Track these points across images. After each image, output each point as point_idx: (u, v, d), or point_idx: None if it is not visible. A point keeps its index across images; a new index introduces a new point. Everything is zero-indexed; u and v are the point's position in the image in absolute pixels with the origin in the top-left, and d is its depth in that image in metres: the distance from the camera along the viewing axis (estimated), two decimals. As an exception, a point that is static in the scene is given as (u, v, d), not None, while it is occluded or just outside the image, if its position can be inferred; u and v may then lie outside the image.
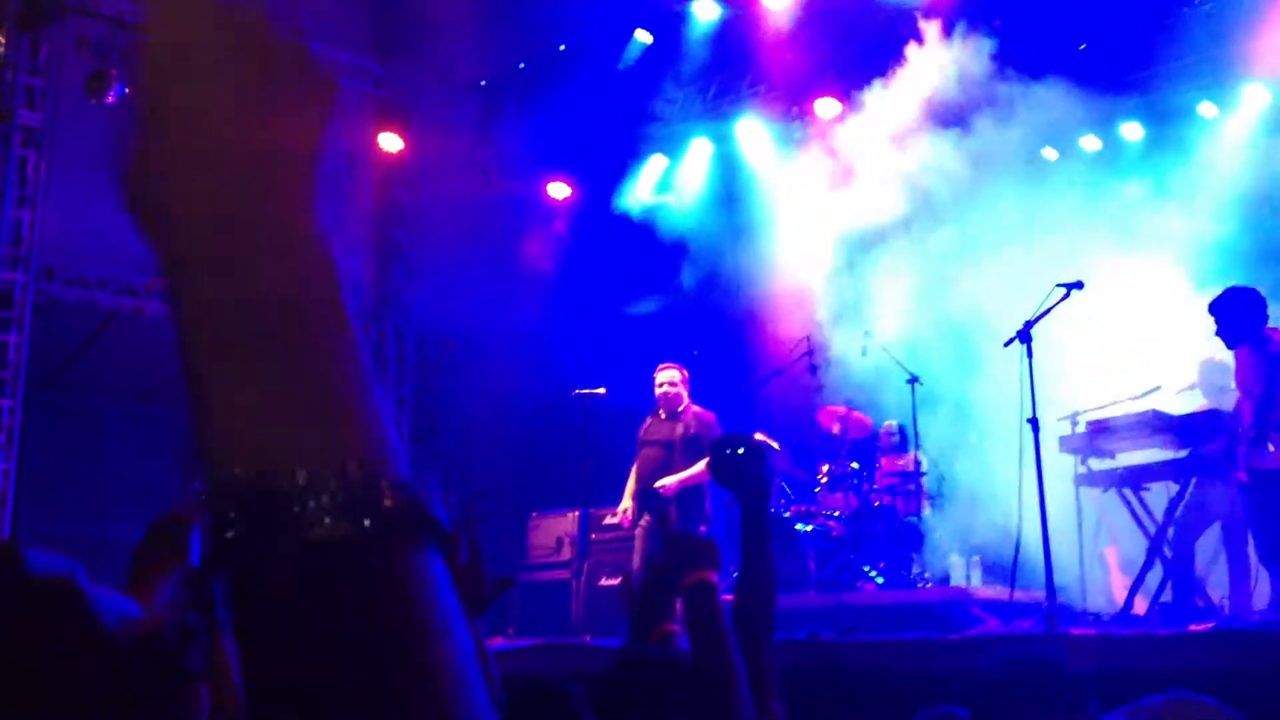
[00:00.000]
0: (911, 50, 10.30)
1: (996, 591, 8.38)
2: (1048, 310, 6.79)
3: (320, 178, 0.77)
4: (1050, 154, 11.52)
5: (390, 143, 12.34)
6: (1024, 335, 6.64)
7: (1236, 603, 7.44)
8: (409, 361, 13.29)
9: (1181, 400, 8.44)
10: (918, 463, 9.91)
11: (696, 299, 11.12)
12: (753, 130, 11.52)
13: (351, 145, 12.12)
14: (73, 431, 11.78)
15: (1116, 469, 8.57)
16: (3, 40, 10.01)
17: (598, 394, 9.39)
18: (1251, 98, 10.54)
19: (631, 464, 9.11)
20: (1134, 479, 8.46)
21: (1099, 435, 8.61)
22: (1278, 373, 6.59)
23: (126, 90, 10.27)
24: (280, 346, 0.72)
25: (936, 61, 10.17)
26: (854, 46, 10.88)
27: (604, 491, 10.65)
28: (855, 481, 10.00)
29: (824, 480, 10.10)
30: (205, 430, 0.71)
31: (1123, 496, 8.55)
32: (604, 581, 9.95)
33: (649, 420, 9.07)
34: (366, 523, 0.69)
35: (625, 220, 12.20)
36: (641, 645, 3.08)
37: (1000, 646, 5.83)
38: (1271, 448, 6.52)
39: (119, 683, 1.03)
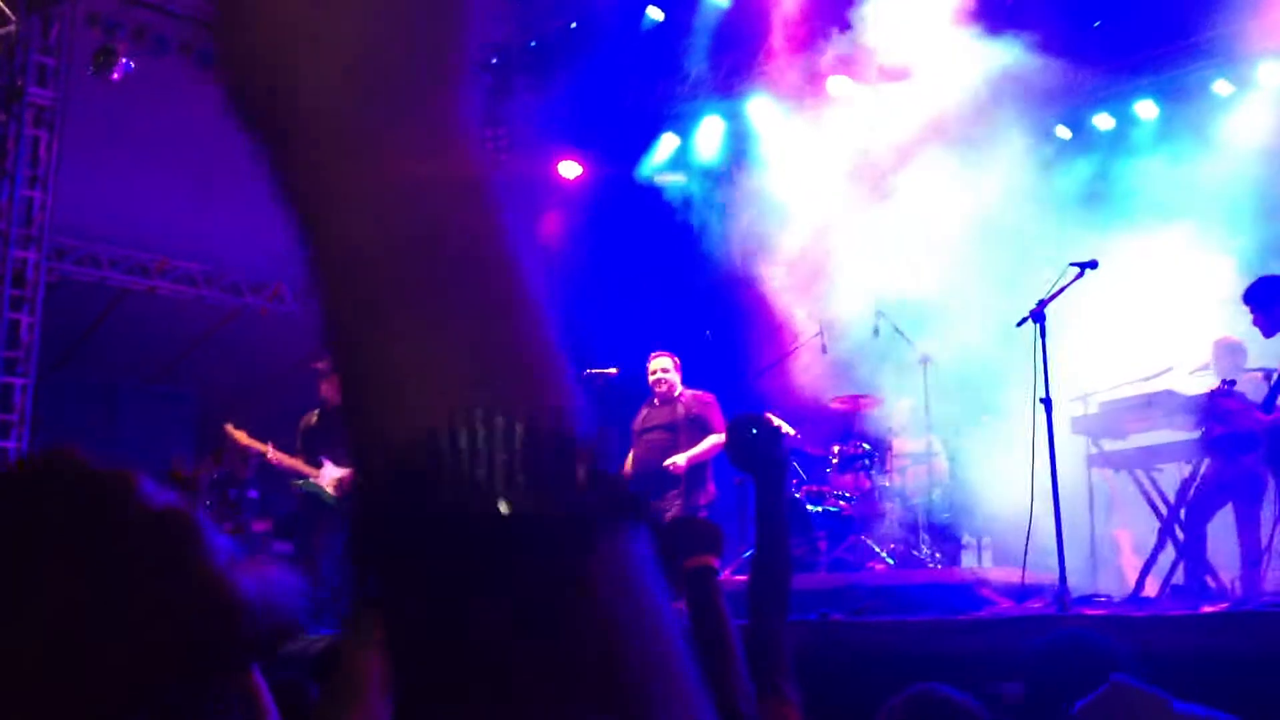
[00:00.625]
0: (925, 27, 10.22)
1: (1007, 573, 8.37)
2: (1061, 290, 6.76)
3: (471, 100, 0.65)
4: (1064, 132, 11.46)
5: (401, 121, 12.31)
6: (1037, 315, 6.61)
7: (1248, 584, 7.41)
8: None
9: (1195, 381, 8.40)
10: (930, 443, 9.89)
11: (708, 278, 11.09)
12: (765, 108, 11.46)
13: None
14: (85, 410, 11.83)
15: (1129, 450, 8.55)
16: (14, 18, 10.00)
17: (609, 374, 9.39)
18: (1268, 75, 10.45)
19: (626, 454, 9.15)
20: (1146, 460, 8.45)
21: (1111, 416, 8.59)
22: None
23: (132, 67, 10.27)
24: (451, 291, 0.61)
25: (950, 39, 10.10)
26: (863, 24, 10.81)
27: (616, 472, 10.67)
28: (866, 462, 9.99)
29: (835, 461, 10.08)
30: (360, 389, 0.61)
31: (1134, 477, 8.54)
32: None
33: (645, 410, 9.11)
34: (558, 495, 0.58)
35: (637, 199, 12.17)
36: None
37: (1011, 628, 5.83)
38: None
39: (225, 624, 0.95)
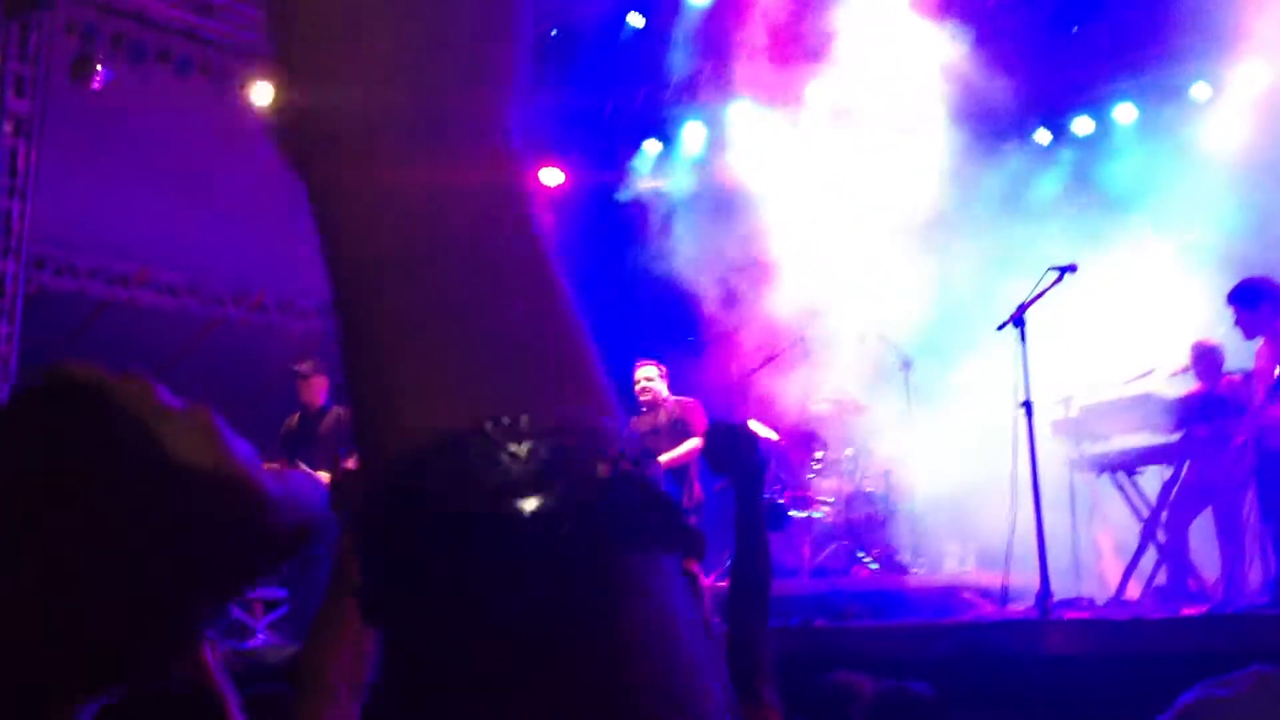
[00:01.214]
0: (904, 32, 10.25)
1: (990, 577, 8.39)
2: (1041, 294, 6.78)
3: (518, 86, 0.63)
4: (1043, 136, 11.50)
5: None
6: (1017, 319, 6.62)
7: (1230, 586, 7.44)
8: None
9: (1175, 384, 8.43)
10: (911, 447, 9.90)
11: (691, 284, 11.09)
12: (746, 113, 11.48)
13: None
14: (65, 421, 11.74)
15: (1110, 453, 8.57)
16: (-9, 28, 9.95)
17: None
18: (1246, 78, 10.50)
19: None
20: (1127, 463, 8.48)
21: (1092, 419, 8.62)
22: None
23: (112, 77, 10.23)
24: (470, 284, 0.58)
25: (930, 43, 10.13)
26: (845, 28, 10.84)
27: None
28: (850, 467, 10.00)
29: (818, 466, 10.09)
30: (367, 388, 0.59)
31: (1116, 480, 8.57)
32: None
33: (632, 420, 9.11)
34: (570, 494, 0.55)
35: (619, 205, 12.17)
36: None
37: (992, 632, 5.85)
38: None
39: (258, 521, 0.89)
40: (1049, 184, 10.89)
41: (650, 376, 9.05)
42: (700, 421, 8.92)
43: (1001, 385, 7.44)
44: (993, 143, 10.54)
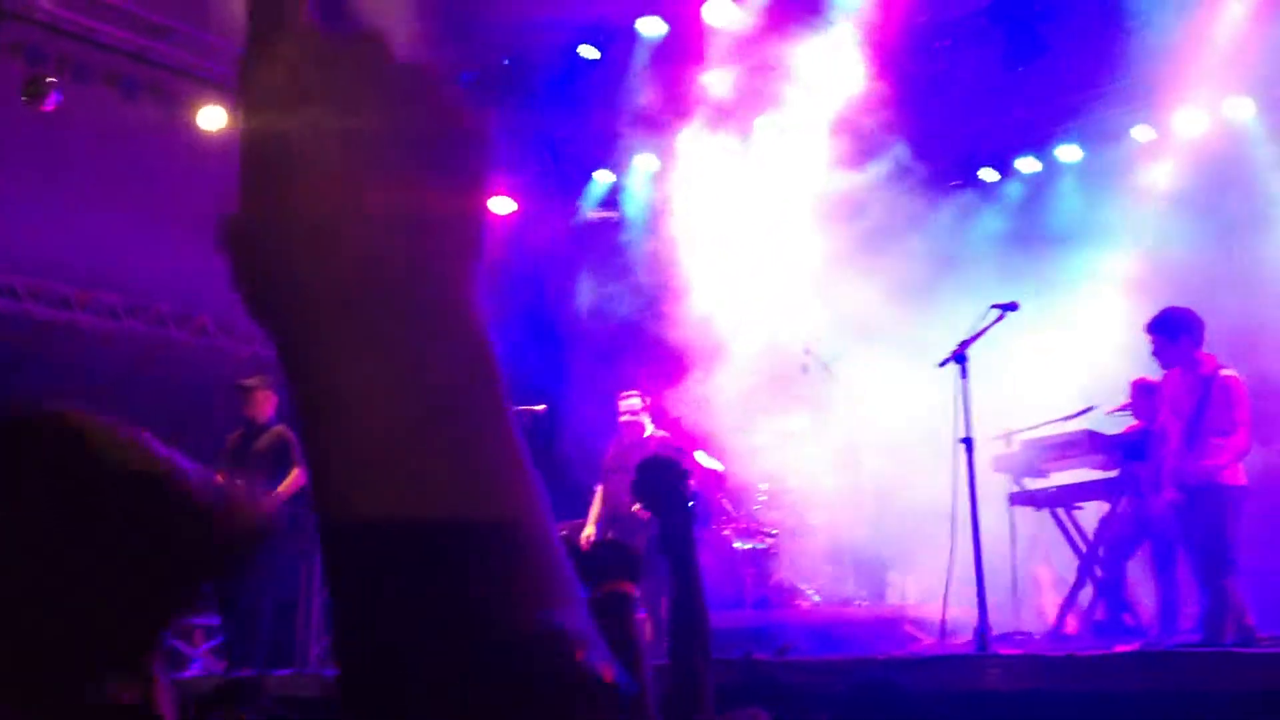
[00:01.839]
0: (851, 69, 10.36)
1: (932, 609, 8.44)
2: (982, 331, 6.85)
3: (480, 244, 0.66)
4: (989, 175, 11.66)
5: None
6: (958, 356, 6.68)
7: (1164, 622, 7.53)
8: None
9: (1114, 421, 8.55)
10: (856, 480, 9.95)
11: (641, 315, 11.10)
12: (696, 146, 11.55)
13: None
14: (3, 443, 11.55)
15: (1049, 488, 8.68)
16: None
17: (537, 411, 9.36)
18: (1186, 122, 10.70)
19: (593, 489, 9.12)
20: (1066, 498, 8.58)
21: (1032, 455, 8.72)
22: (1210, 395, 6.68)
23: (62, 98, 10.14)
24: (431, 441, 0.61)
25: (875, 80, 10.25)
26: (794, 64, 10.94)
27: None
28: (794, 499, 10.04)
29: (763, 498, 10.12)
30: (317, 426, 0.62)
31: (1055, 515, 8.66)
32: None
33: (614, 448, 9.07)
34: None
35: (571, 236, 12.19)
36: None
37: (930, 666, 5.88)
38: (1202, 464, 6.60)
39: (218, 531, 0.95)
40: (994, 222, 11.03)
41: (635, 409, 9.00)
42: (686, 462, 8.89)
43: (945, 419, 7.50)
44: (939, 180, 10.66)
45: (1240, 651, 4.93)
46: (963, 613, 7.58)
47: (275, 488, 8.64)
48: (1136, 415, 8.16)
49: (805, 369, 9.98)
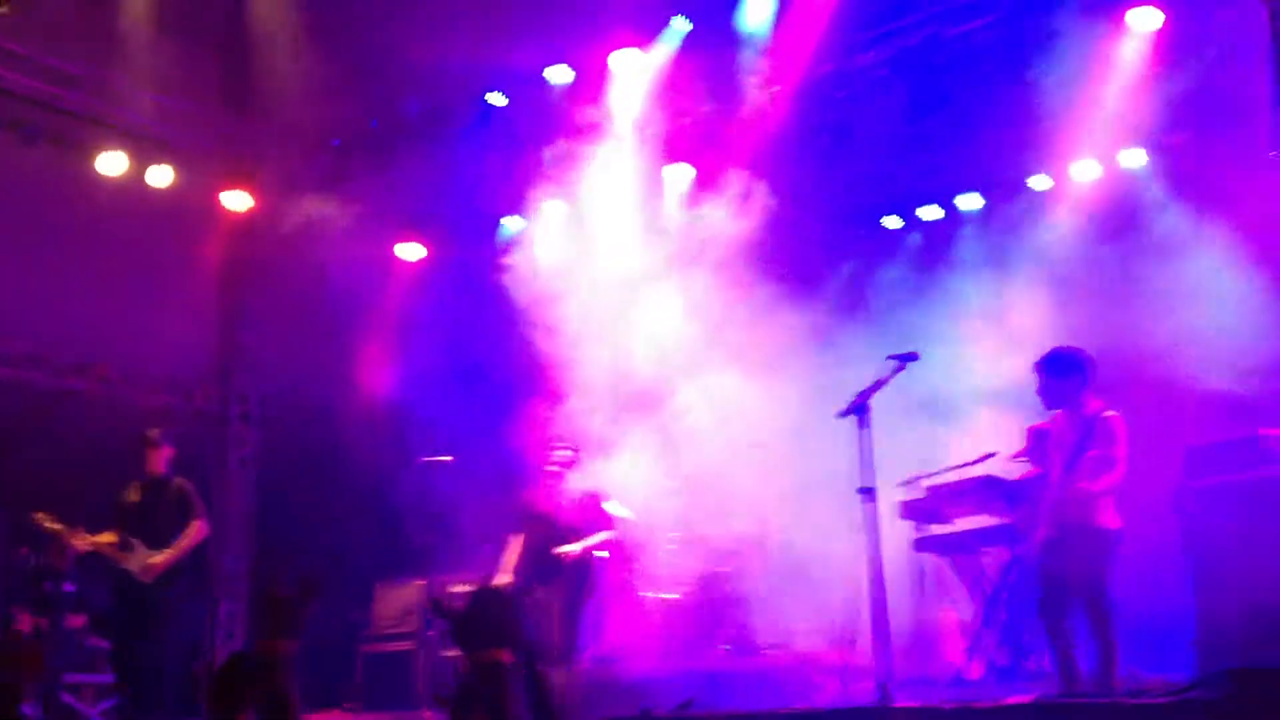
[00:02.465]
0: (753, 117, 10.48)
1: (840, 655, 8.47)
2: (881, 383, 6.87)
3: None
4: (893, 222, 11.84)
5: (238, 200, 12.08)
6: (857, 408, 6.70)
7: (1063, 670, 7.62)
8: (253, 421, 13.01)
9: (1015, 467, 8.65)
10: (764, 528, 9.98)
11: (547, 362, 11.07)
12: (604, 194, 11.57)
13: (197, 200, 11.87)
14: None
15: (954, 533, 8.77)
16: None
17: (444, 462, 9.29)
18: (1082, 173, 10.97)
19: (504, 536, 9.04)
20: (969, 543, 8.67)
21: (936, 501, 8.81)
22: (1092, 434, 6.73)
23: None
24: None
25: (778, 130, 10.38)
26: (703, 112, 11.05)
27: (450, 561, 10.52)
28: (702, 547, 10.04)
29: (672, 546, 10.11)
30: None
31: (959, 560, 8.75)
32: (448, 653, 9.78)
33: (534, 495, 8.98)
34: None
35: (478, 282, 12.13)
36: None
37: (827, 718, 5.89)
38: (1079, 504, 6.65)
39: None
40: (898, 268, 11.19)
41: (564, 460, 8.94)
42: (600, 515, 8.86)
43: (851, 468, 7.53)
44: (842, 227, 10.79)
45: (1130, 702, 4.99)
46: (869, 660, 7.60)
47: (178, 540, 8.74)
48: (1033, 461, 8.25)
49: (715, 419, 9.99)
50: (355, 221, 11.92)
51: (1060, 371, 6.97)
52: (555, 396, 9.67)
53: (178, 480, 9.01)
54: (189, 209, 11.82)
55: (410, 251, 12.97)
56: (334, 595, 11.06)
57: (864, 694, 7.01)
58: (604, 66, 10.78)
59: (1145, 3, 9.39)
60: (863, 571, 7.00)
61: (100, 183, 11.01)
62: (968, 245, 11.37)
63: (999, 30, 9.67)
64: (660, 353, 9.84)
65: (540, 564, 8.66)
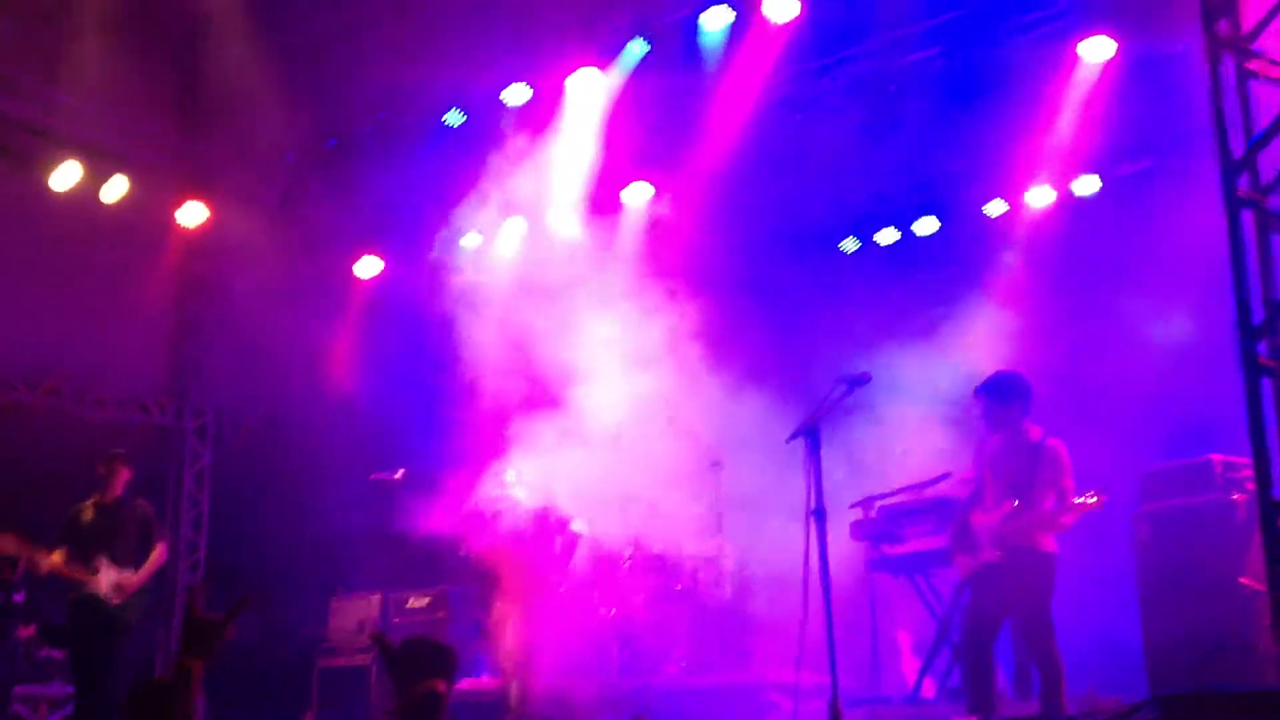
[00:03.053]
0: (716, 139, 10.53)
1: (791, 676, 8.48)
2: (831, 405, 6.88)
3: None
4: (850, 244, 11.94)
5: (192, 214, 12.00)
6: (806, 430, 6.72)
7: (1019, 690, 7.69)
8: (209, 436, 12.93)
9: (968, 488, 8.71)
10: (720, 547, 10.02)
11: (503, 380, 11.06)
12: (564, 214, 11.60)
13: (151, 214, 11.79)
14: None
15: (907, 554, 8.82)
16: None
17: (394, 479, 9.27)
18: (1036, 198, 11.10)
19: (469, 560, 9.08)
20: (923, 563, 8.72)
21: (889, 521, 8.87)
22: (1039, 461, 6.76)
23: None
24: None
25: (735, 151, 10.44)
26: (668, 133, 11.08)
27: (406, 575, 10.50)
28: (658, 565, 10.05)
29: (628, 563, 10.11)
30: None
31: (913, 580, 8.81)
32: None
33: (489, 519, 8.96)
34: None
35: (434, 299, 12.11)
36: None
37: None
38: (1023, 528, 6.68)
39: None
40: (856, 291, 11.27)
41: (509, 482, 8.96)
42: (553, 527, 8.89)
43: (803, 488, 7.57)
44: (799, 250, 10.85)
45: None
46: (823, 678, 7.63)
47: (141, 561, 8.79)
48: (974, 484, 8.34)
49: (671, 433, 10.02)
50: (310, 237, 11.89)
51: (1002, 396, 7.00)
52: (508, 412, 9.69)
53: (138, 501, 9.00)
54: (143, 223, 11.73)
55: (366, 267, 12.93)
56: (287, 610, 11.05)
57: (815, 714, 7.04)
58: (561, 87, 10.80)
59: (1098, 33, 9.50)
60: (812, 591, 7.05)
61: (52, 196, 10.91)
62: (924, 268, 11.48)
63: (953, 59, 9.77)
64: (616, 371, 9.86)
65: (498, 581, 8.67)
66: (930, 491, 8.82)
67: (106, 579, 8.58)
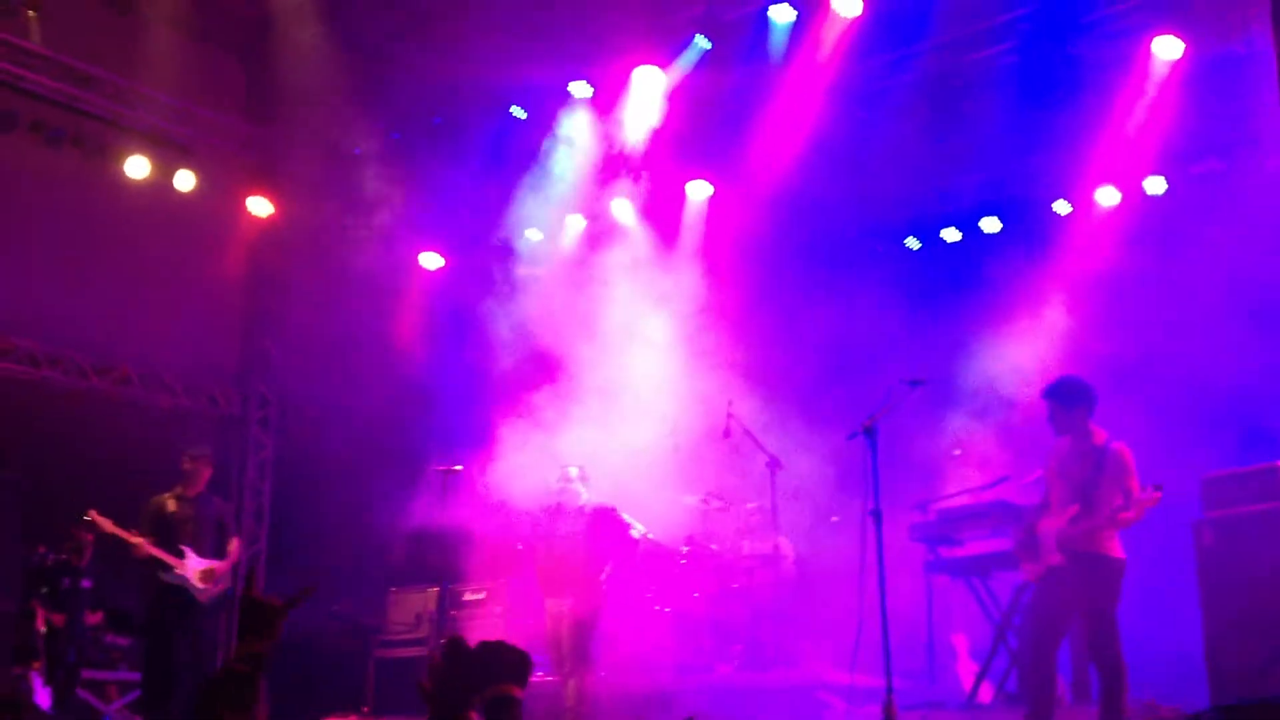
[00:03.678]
0: (779, 136, 10.50)
1: (846, 677, 8.45)
2: (891, 406, 6.86)
3: None
4: (913, 243, 11.84)
5: (260, 206, 12.16)
6: (865, 430, 6.69)
7: (1077, 697, 7.61)
8: (272, 426, 13.08)
9: (1027, 491, 8.63)
10: (777, 546, 9.98)
11: (566, 375, 11.10)
12: (625, 210, 11.62)
13: (219, 206, 11.95)
14: None
15: (965, 557, 8.74)
16: None
17: (456, 471, 9.33)
18: (1104, 198, 10.96)
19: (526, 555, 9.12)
20: (981, 567, 8.64)
21: (948, 523, 8.79)
22: (1104, 464, 6.69)
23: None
24: None
25: (800, 149, 10.40)
26: (726, 130, 11.06)
27: (463, 567, 10.57)
28: (715, 563, 10.04)
29: (684, 561, 10.11)
30: None
31: (970, 583, 8.73)
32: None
33: (548, 515, 9.01)
34: None
35: (496, 292, 12.18)
36: None
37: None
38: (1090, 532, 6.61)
39: None
40: (918, 289, 11.20)
41: (571, 478, 8.99)
42: (613, 527, 8.93)
43: (862, 489, 7.53)
44: (861, 248, 10.78)
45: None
46: (878, 680, 7.60)
47: (221, 555, 9.06)
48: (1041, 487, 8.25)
49: (727, 433, 10.01)
50: (375, 229, 11.99)
51: (1067, 399, 6.95)
52: (569, 408, 9.73)
53: (216, 499, 9.35)
54: (212, 214, 11.90)
55: (430, 260, 13.02)
56: (345, 600, 11.17)
57: (870, 717, 7.01)
58: (624, 83, 10.81)
59: (1167, 32, 9.36)
60: (869, 592, 7.01)
61: (125, 186, 11.09)
62: (988, 267, 11.37)
63: (1020, 56, 9.67)
64: (677, 371, 9.87)
65: (564, 579, 8.71)
66: (989, 494, 8.74)
67: (193, 565, 8.79)
